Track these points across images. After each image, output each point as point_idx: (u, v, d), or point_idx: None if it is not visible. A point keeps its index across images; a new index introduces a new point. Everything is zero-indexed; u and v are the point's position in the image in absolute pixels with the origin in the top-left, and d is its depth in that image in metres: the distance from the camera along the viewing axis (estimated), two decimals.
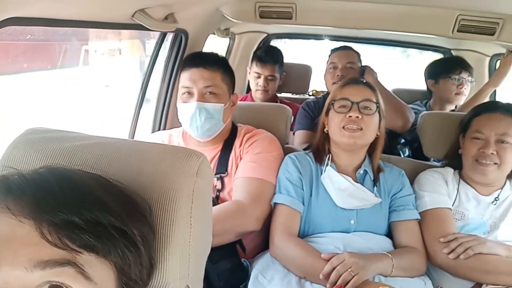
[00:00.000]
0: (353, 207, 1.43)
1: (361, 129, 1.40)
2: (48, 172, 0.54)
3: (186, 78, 1.51)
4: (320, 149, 1.53)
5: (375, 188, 1.47)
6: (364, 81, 1.55)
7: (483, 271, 1.31)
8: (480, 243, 1.34)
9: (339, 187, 1.43)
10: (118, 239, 0.52)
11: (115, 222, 0.52)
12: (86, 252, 0.50)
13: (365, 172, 1.49)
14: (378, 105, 1.44)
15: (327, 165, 1.48)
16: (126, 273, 0.54)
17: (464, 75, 2.29)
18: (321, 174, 1.48)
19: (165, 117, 2.01)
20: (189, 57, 1.62)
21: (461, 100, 2.31)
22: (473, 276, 1.34)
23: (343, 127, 1.41)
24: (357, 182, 1.46)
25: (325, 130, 1.51)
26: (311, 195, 1.46)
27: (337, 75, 2.22)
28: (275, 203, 1.44)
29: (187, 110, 1.50)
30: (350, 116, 1.40)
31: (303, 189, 1.46)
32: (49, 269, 0.47)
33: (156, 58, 1.93)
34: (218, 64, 1.53)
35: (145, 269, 0.57)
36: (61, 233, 0.49)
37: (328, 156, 1.50)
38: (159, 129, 2.02)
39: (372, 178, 1.49)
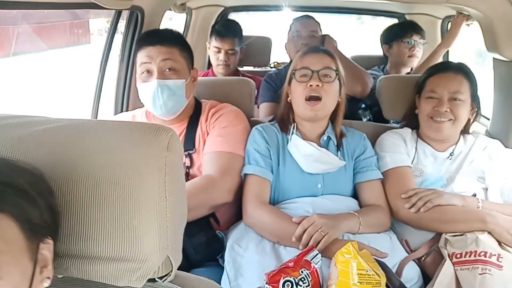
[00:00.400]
0: (319, 172, 1.48)
1: (321, 99, 1.44)
2: None
3: (143, 56, 1.47)
4: (285, 119, 1.57)
5: (339, 152, 1.53)
6: (323, 48, 1.58)
7: (442, 221, 1.40)
8: (438, 196, 1.42)
9: (305, 153, 1.48)
10: (5, 192, 0.54)
11: None
12: None
13: (329, 138, 1.54)
14: (337, 72, 1.48)
15: (292, 133, 1.52)
16: (26, 218, 0.56)
17: (416, 37, 2.38)
18: (287, 143, 1.52)
19: (127, 98, 1.97)
20: (143, 36, 1.59)
21: (415, 62, 2.41)
22: (433, 227, 1.43)
23: (305, 100, 1.45)
24: (322, 147, 1.51)
25: (288, 100, 1.54)
26: (278, 164, 1.50)
27: (301, 43, 2.24)
28: (245, 174, 1.48)
29: (148, 89, 1.47)
30: (311, 85, 1.44)
31: (271, 159, 1.50)
32: None
33: (112, 38, 1.88)
34: (174, 39, 1.50)
35: (45, 212, 0.59)
36: None
37: (293, 125, 1.54)
38: (121, 111, 1.98)
39: (336, 143, 1.54)
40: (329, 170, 1.49)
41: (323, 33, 2.31)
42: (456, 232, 1.38)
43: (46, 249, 0.59)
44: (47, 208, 0.60)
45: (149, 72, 1.47)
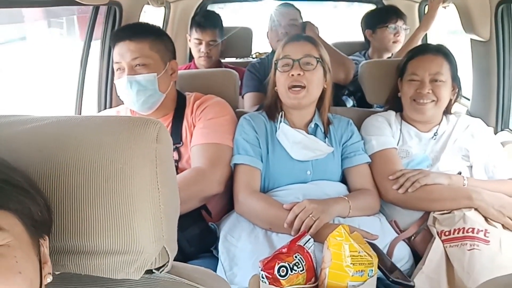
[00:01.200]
0: (308, 159, 1.50)
1: (304, 87, 1.45)
2: None
3: (115, 53, 1.47)
4: (272, 107, 1.57)
5: (327, 139, 1.54)
6: (305, 35, 1.58)
7: (430, 200, 1.43)
8: (425, 176, 1.45)
9: (294, 140, 1.49)
10: (7, 189, 0.54)
11: None
12: None
13: (316, 125, 1.56)
14: (319, 59, 1.48)
15: (280, 121, 1.53)
16: (29, 215, 0.56)
17: (400, 23, 2.39)
18: (276, 131, 1.53)
19: (110, 94, 1.96)
20: (115, 32, 1.58)
21: (398, 48, 2.42)
22: (421, 206, 1.46)
23: (289, 88, 1.46)
24: (310, 134, 1.52)
25: (275, 89, 1.55)
26: (268, 152, 1.51)
27: (281, 33, 2.24)
28: (235, 164, 1.48)
29: (121, 85, 1.46)
30: (292, 74, 1.44)
31: (260, 147, 1.50)
32: None
33: (92, 35, 1.85)
34: (144, 33, 1.47)
35: (43, 208, 0.60)
36: None
37: (281, 113, 1.55)
38: (104, 108, 1.97)
39: (323, 130, 1.56)
40: (318, 157, 1.50)
41: (304, 20, 2.31)
42: (443, 210, 1.41)
43: (45, 245, 0.59)
44: (44, 205, 0.60)
45: (121, 69, 1.46)
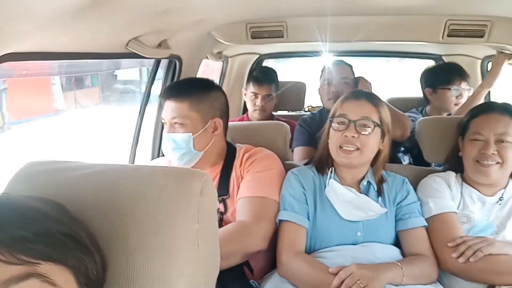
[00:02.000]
0: (359, 219, 1.42)
1: (358, 149, 1.40)
2: None
3: (164, 109, 1.55)
4: (323, 161, 1.52)
5: (380, 198, 1.46)
6: (367, 94, 1.51)
7: (495, 272, 1.29)
8: (489, 244, 1.32)
9: (344, 199, 1.42)
10: (69, 244, 0.53)
11: (62, 229, 0.53)
12: (43, 262, 0.50)
13: (369, 183, 1.49)
14: (377, 124, 1.42)
15: (330, 178, 1.48)
16: (85, 273, 0.55)
17: (463, 85, 2.28)
18: (325, 187, 1.47)
19: None
20: (164, 89, 1.67)
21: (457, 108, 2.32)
22: (485, 278, 1.32)
23: (340, 147, 1.41)
24: (362, 193, 1.45)
25: (327, 142, 1.50)
26: (315, 209, 1.45)
27: (332, 92, 2.24)
28: (280, 221, 1.43)
29: (163, 140, 1.56)
30: (346, 136, 1.40)
31: (307, 204, 1.45)
32: (13, 285, 0.47)
33: (152, 85, 1.95)
34: (186, 93, 1.51)
35: (100, 267, 0.58)
36: (14, 250, 0.48)
37: (331, 169, 1.50)
38: (158, 156, 2.02)
39: (376, 189, 1.48)
40: (369, 217, 1.42)
41: (357, 75, 2.30)
42: (511, 285, 1.26)
43: None
44: (101, 264, 0.59)
45: (166, 124, 1.54)
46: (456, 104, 2.28)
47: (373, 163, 1.50)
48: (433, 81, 2.38)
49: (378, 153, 1.47)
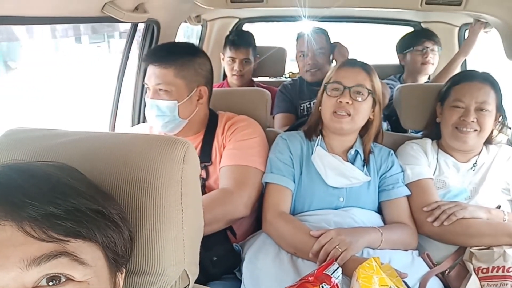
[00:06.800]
0: (342, 186, 1.45)
1: (350, 115, 1.41)
2: (8, 169, 0.53)
3: (147, 73, 1.49)
4: (313, 127, 1.54)
5: (365, 167, 1.49)
6: (362, 62, 1.50)
7: (467, 235, 1.35)
8: (462, 208, 1.38)
9: (329, 166, 1.45)
10: (99, 221, 0.53)
11: (91, 205, 0.53)
12: (73, 239, 0.50)
13: (357, 152, 1.51)
14: (370, 91, 1.43)
15: (317, 145, 1.50)
16: (113, 250, 0.55)
17: (428, 44, 2.35)
18: (312, 153, 1.49)
19: (143, 110, 1.99)
20: (146, 53, 1.58)
21: (429, 70, 2.37)
22: (458, 241, 1.39)
23: (334, 112, 1.42)
24: (348, 162, 1.48)
25: (319, 109, 1.51)
26: (301, 174, 1.48)
27: (308, 64, 2.24)
28: (267, 183, 1.46)
29: (146, 105, 1.49)
30: (340, 102, 1.41)
31: (293, 168, 1.47)
32: (44, 263, 0.48)
33: (129, 50, 1.90)
34: (172, 58, 1.45)
35: (128, 243, 0.59)
36: (44, 227, 0.48)
37: (319, 137, 1.51)
38: (138, 122, 2.00)
39: (363, 158, 1.51)
40: (353, 185, 1.45)
41: (334, 40, 2.30)
42: (481, 246, 1.33)
43: (121, 277, 0.59)
44: (129, 239, 0.59)
45: (148, 89, 1.48)
46: (423, 64, 2.34)
47: (363, 133, 1.52)
48: (402, 46, 2.47)
49: (368, 123, 1.49)
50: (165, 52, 1.48)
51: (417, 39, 2.39)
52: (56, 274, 0.48)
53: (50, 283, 0.48)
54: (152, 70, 1.45)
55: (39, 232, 0.48)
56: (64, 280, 0.49)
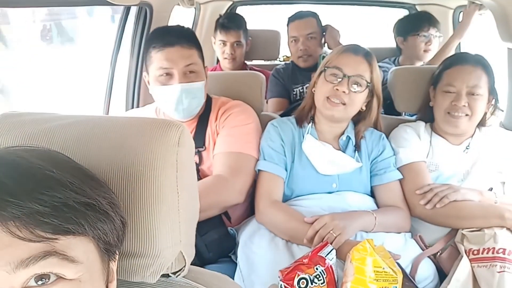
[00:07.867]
0: (334, 173, 1.46)
1: (344, 104, 1.39)
2: None
3: (162, 58, 1.38)
4: (304, 113, 1.53)
5: (357, 153, 1.49)
6: (366, 50, 1.46)
7: (459, 217, 1.37)
8: (454, 191, 1.39)
9: (319, 154, 1.45)
10: (88, 214, 0.51)
11: (80, 198, 0.50)
12: (62, 236, 0.48)
13: (348, 138, 1.50)
14: (369, 84, 1.40)
15: (308, 132, 1.49)
16: (105, 241, 0.54)
17: (432, 31, 2.32)
18: (304, 139, 1.49)
19: (138, 94, 1.97)
20: (159, 34, 1.44)
21: (429, 56, 2.35)
22: (450, 223, 1.41)
23: (327, 98, 1.40)
24: (339, 149, 1.48)
25: (312, 90, 1.49)
26: (293, 161, 1.48)
27: (300, 50, 2.22)
28: (259, 170, 1.46)
29: (169, 93, 1.39)
30: (337, 89, 1.38)
31: (285, 155, 1.47)
32: (32, 265, 0.45)
33: (122, 34, 1.87)
34: (192, 40, 1.44)
35: (120, 231, 0.57)
36: (30, 226, 0.46)
37: (310, 124, 1.50)
38: (132, 107, 1.98)
39: (354, 143, 1.50)
40: (344, 172, 1.45)
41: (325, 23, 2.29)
42: (473, 228, 1.35)
43: (113, 264, 0.58)
44: (121, 227, 0.57)
45: (169, 74, 1.39)
46: (425, 51, 2.32)
47: (357, 121, 1.52)
48: (403, 29, 2.42)
49: (362, 112, 1.48)
50: (187, 33, 1.46)
51: (421, 24, 2.33)
52: (46, 273, 0.47)
53: (39, 282, 0.46)
54: (176, 52, 1.37)
55: (26, 232, 0.45)
56: (54, 279, 0.47)
